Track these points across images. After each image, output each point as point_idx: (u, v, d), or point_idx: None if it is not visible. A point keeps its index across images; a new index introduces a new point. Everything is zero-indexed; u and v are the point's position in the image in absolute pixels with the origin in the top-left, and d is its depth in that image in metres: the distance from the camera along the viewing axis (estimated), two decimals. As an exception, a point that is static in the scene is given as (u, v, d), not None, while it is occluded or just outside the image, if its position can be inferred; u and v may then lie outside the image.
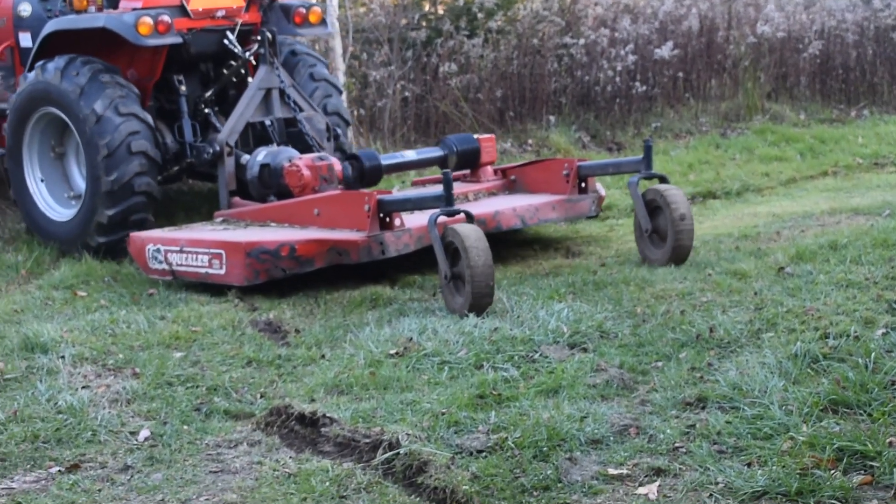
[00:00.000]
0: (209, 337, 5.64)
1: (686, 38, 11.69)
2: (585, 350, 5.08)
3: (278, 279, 6.40)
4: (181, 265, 6.57)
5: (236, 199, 7.43)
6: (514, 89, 10.77)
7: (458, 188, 7.39)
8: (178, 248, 6.59)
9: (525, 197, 7.36)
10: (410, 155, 7.83)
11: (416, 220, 6.59)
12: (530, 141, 10.62)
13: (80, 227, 7.41)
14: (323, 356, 5.29)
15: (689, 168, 9.75)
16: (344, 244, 6.30)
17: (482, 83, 10.66)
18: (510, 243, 7.52)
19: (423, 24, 11.08)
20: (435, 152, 7.74)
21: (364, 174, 7.29)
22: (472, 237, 5.71)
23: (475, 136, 7.77)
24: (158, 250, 6.68)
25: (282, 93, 7.53)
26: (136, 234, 6.88)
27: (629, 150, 10.66)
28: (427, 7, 11.37)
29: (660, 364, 4.86)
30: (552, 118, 10.87)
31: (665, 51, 11.07)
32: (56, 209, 7.73)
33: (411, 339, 5.26)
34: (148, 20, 7.23)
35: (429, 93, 10.65)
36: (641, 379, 4.74)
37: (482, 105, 10.65)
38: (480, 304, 5.67)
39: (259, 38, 7.59)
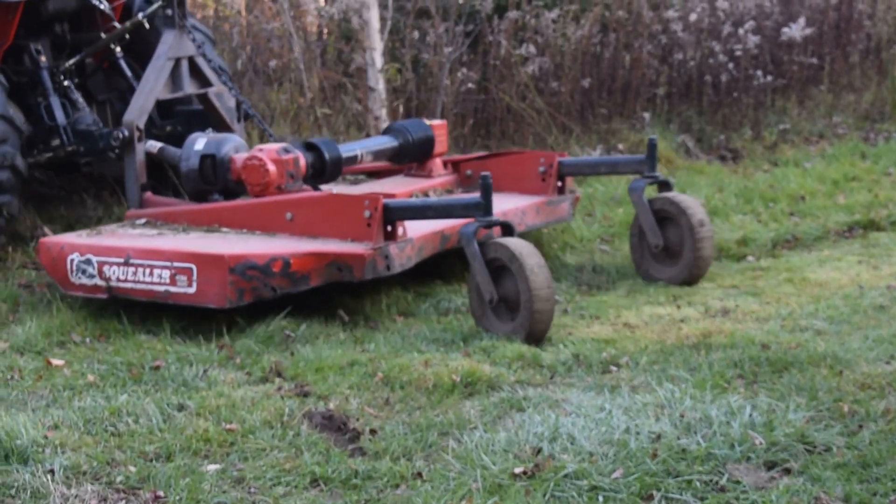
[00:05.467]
0: (252, 440, 5.07)
1: (816, 11, 11.11)
2: (789, 472, 4.60)
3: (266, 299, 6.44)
4: (125, 281, 6.56)
5: (149, 194, 7.47)
6: (603, 77, 10.17)
7: (407, 185, 7.78)
8: (121, 260, 6.56)
9: (497, 197, 7.32)
10: (363, 146, 7.87)
11: (413, 228, 6.76)
12: (620, 146, 10.06)
13: None
14: (419, 475, 4.73)
15: (834, 186, 9.45)
16: (346, 258, 6.43)
17: (562, 70, 10.05)
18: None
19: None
20: (387, 142, 7.88)
21: (325, 168, 7.32)
22: (528, 253, 6.15)
23: (426, 121, 8.10)
24: (88, 262, 6.64)
25: (192, 63, 7.65)
26: (52, 240, 6.87)
27: (748, 159, 10.17)
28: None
29: (903, 497, 4.40)
30: (646, 115, 10.31)
31: (796, 29, 10.49)
32: None
33: (540, 450, 4.79)
34: None
35: (489, 82, 10.04)
36: (881, 521, 4.26)
37: (559, 97, 10.07)
38: (540, 331, 6.17)
39: None
